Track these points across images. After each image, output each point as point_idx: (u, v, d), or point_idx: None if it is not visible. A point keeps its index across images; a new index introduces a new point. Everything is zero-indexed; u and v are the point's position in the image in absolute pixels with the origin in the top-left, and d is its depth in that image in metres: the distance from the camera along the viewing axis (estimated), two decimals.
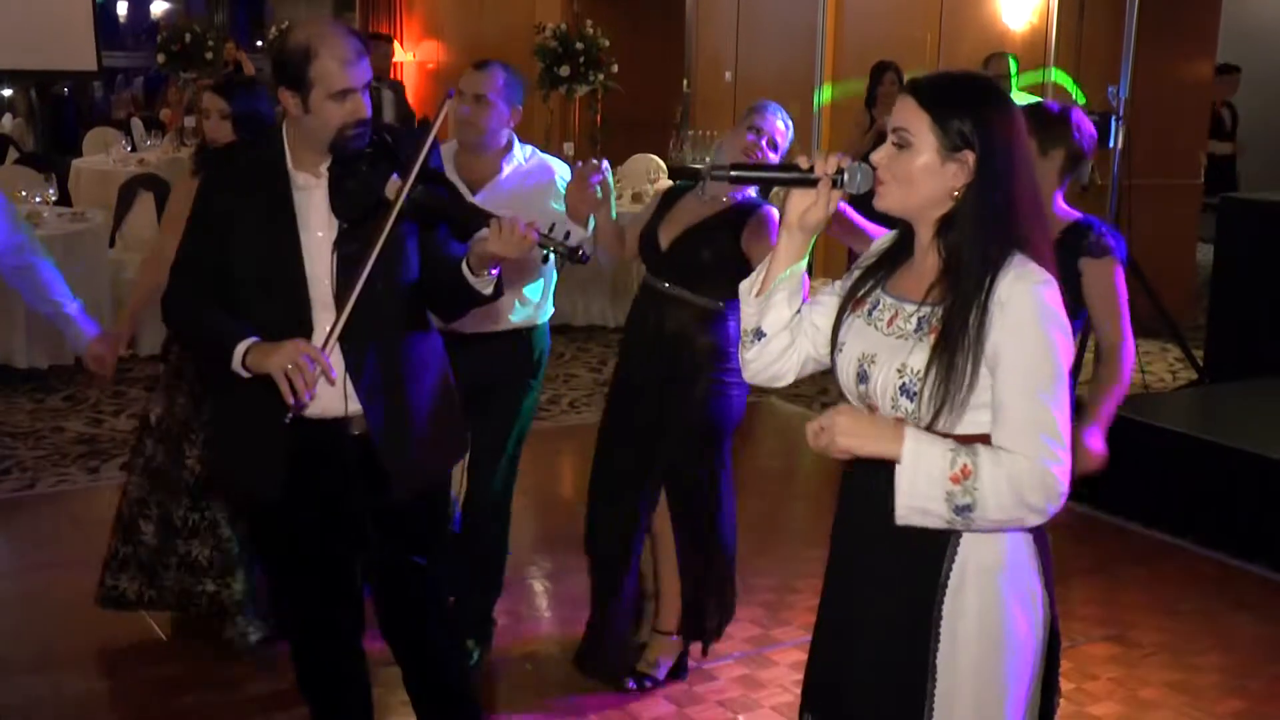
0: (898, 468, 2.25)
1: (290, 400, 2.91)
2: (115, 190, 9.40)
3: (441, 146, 5.05)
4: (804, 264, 2.53)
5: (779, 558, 5.59)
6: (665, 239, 4.22)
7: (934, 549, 2.35)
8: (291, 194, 3.11)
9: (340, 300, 3.03)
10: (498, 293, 3.18)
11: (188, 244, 3.22)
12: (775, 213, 4.03)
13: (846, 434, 2.30)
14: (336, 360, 3.06)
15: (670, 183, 9.67)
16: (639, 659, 4.44)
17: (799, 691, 2.66)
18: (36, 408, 7.49)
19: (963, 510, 2.23)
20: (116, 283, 8.71)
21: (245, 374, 3.00)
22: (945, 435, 2.28)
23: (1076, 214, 3.81)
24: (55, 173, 10.21)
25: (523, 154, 4.41)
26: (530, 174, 4.39)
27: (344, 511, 3.24)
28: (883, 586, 2.42)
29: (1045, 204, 3.32)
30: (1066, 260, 3.46)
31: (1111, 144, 7.53)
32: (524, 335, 4.41)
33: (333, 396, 3.09)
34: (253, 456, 3.21)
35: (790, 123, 4.26)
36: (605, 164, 4.09)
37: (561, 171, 4.41)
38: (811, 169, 2.41)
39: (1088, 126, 3.81)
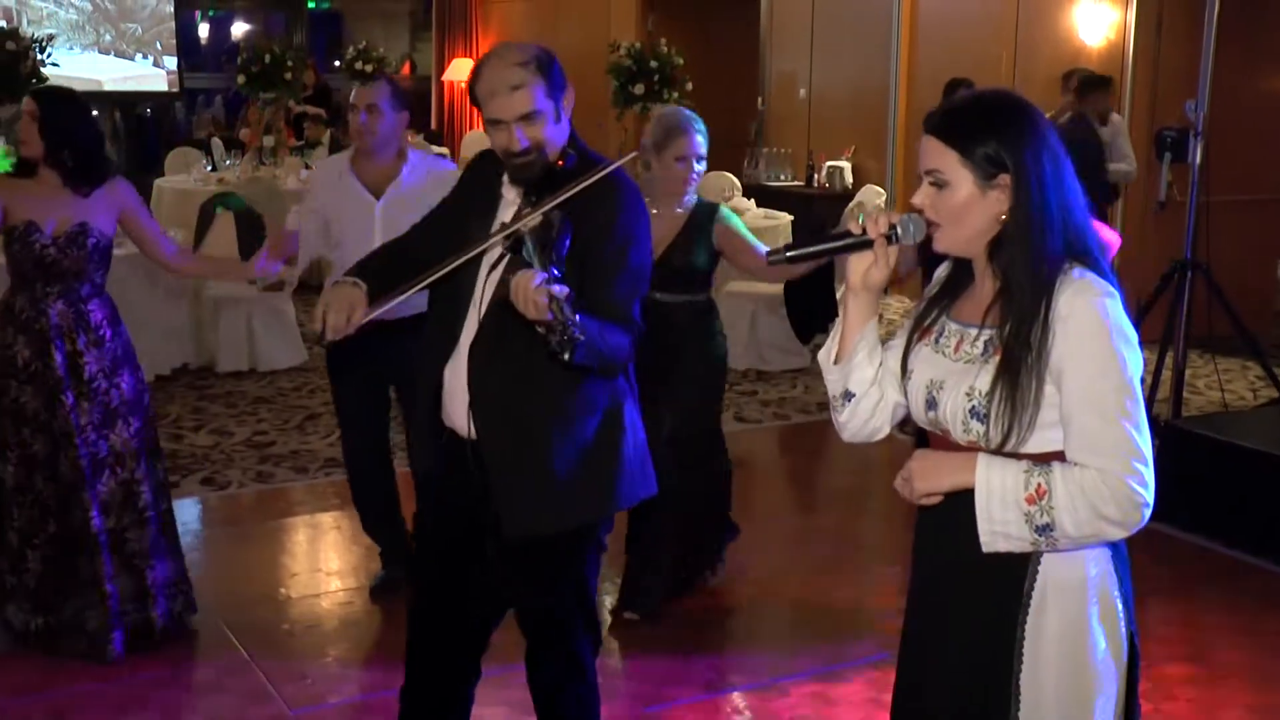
0: (976, 497, 2.26)
1: (318, 328, 3.02)
2: (196, 209, 9.56)
3: (337, 156, 5.27)
4: (876, 320, 2.53)
5: (852, 575, 5.58)
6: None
7: (1014, 570, 2.34)
8: (497, 207, 3.16)
9: (482, 317, 3.05)
10: (581, 364, 2.82)
11: (424, 219, 3.40)
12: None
13: (922, 477, 2.34)
14: (462, 378, 3.08)
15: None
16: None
17: (872, 708, 2.67)
18: None
19: (1043, 530, 2.23)
20: (196, 301, 8.86)
21: None
22: (1018, 455, 2.29)
23: None
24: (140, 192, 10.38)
25: (414, 157, 5.04)
26: (426, 170, 4.97)
27: (471, 529, 3.21)
28: (964, 609, 2.42)
29: None
30: None
31: (1189, 160, 7.45)
32: None
33: (459, 413, 3.12)
34: (418, 434, 3.33)
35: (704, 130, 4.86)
36: None
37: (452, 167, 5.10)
38: (864, 231, 2.42)
39: None
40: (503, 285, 2.97)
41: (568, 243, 2.82)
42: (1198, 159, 7.37)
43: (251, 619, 4.88)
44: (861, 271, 2.45)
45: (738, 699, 4.48)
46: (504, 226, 2.94)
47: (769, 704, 4.44)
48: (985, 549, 2.28)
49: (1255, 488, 5.95)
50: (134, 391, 4.66)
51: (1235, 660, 4.84)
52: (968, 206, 2.33)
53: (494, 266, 3.05)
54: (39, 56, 10.76)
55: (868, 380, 2.54)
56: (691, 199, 4.90)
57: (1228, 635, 5.06)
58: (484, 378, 3.07)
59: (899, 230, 2.39)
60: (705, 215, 4.90)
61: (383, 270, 3.17)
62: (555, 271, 2.71)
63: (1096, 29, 10.03)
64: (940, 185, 2.34)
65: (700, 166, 4.85)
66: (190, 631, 4.85)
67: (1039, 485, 2.22)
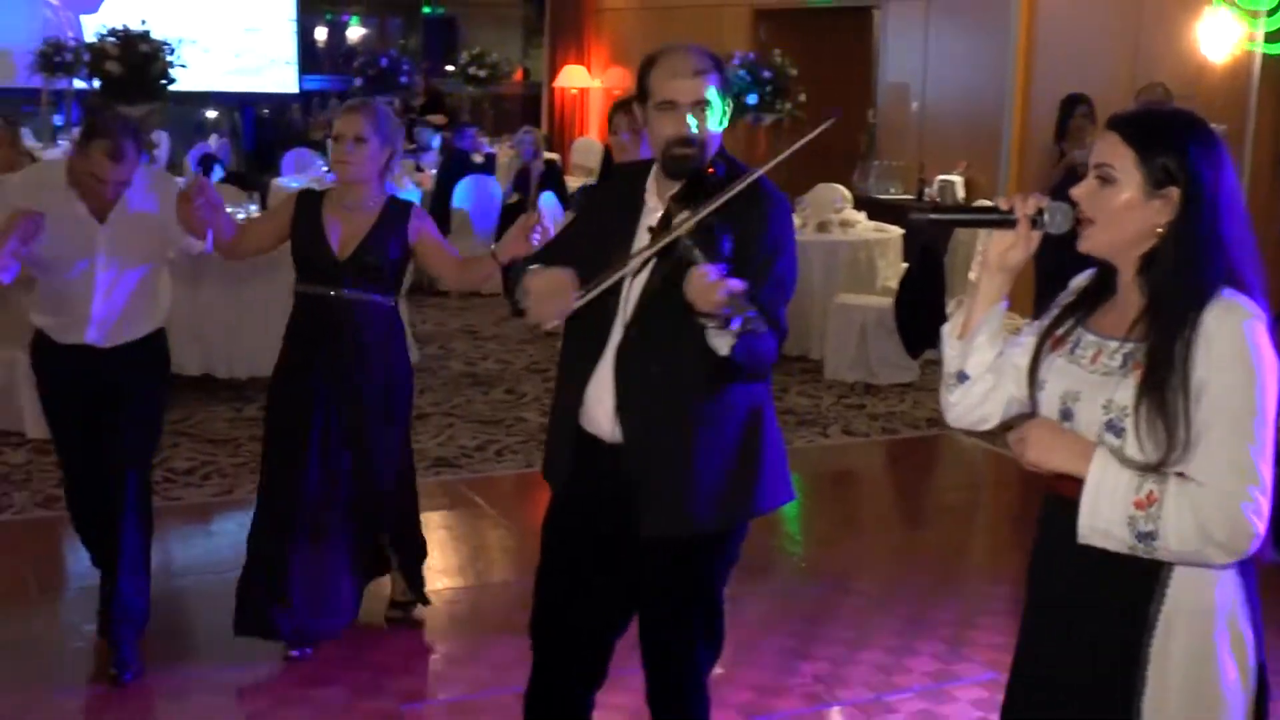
0: (1084, 486, 2.24)
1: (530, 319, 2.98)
2: None
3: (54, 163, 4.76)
4: (1004, 304, 2.53)
5: (960, 593, 5.52)
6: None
7: (1142, 590, 2.31)
8: (640, 215, 3.15)
9: (629, 321, 3.05)
10: (738, 360, 2.87)
11: (560, 232, 3.42)
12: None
13: (1037, 445, 2.33)
14: (608, 381, 3.09)
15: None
16: None
17: None
18: (235, 417, 7.76)
19: (1144, 537, 2.20)
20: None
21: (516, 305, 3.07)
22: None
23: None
24: (258, 191, 10.64)
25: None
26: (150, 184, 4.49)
27: (604, 534, 3.20)
28: (1088, 629, 2.39)
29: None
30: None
31: None
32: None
33: (604, 417, 3.11)
34: (552, 444, 3.32)
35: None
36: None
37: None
38: (1011, 210, 2.42)
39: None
40: (653, 287, 3.02)
41: (729, 243, 2.84)
42: None
43: (359, 613, 4.94)
44: (1000, 251, 2.46)
45: (842, 713, 4.47)
46: (657, 232, 2.96)
47: (873, 719, 4.42)
48: (1080, 540, 2.27)
49: None
50: None
51: None
52: (1128, 209, 2.32)
53: (636, 274, 3.07)
54: (168, 58, 11.11)
55: (984, 364, 2.54)
56: (380, 193, 4.62)
57: None
58: (631, 381, 3.08)
59: (1046, 216, 2.40)
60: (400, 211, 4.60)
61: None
62: (724, 269, 2.73)
63: (1220, 44, 9.83)
64: (1106, 180, 2.33)
65: (359, 150, 4.49)
66: None
67: (1150, 492, 2.20)
